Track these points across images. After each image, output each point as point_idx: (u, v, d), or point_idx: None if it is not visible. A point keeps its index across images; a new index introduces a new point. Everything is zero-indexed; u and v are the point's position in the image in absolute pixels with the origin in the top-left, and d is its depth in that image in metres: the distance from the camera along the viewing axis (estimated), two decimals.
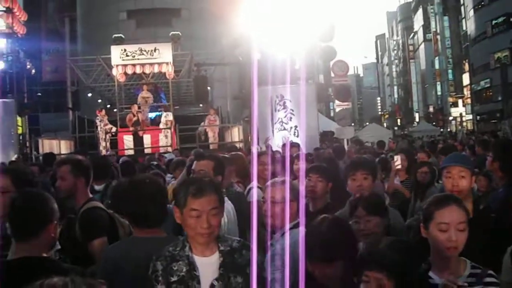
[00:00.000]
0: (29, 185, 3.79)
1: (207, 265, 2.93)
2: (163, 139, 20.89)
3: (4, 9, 23.01)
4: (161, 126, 21.92)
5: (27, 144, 20.72)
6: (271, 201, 3.67)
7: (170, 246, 3.04)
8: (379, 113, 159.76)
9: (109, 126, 21.71)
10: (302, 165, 5.24)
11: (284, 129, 15.77)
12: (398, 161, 7.11)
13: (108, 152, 15.85)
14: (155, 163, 11.14)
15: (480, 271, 2.87)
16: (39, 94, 51.60)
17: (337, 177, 5.72)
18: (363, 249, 2.59)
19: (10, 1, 23.09)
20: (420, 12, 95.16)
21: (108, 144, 21.14)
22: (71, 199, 4.44)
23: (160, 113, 22.96)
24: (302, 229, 3.23)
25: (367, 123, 70.29)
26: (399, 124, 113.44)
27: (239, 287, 2.92)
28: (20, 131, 19.81)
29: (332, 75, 20.03)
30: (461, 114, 69.17)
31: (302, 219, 3.47)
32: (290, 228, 3.55)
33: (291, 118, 15.85)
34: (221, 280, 2.90)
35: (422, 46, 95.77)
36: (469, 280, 2.81)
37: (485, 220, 3.72)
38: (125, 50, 21.53)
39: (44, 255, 2.90)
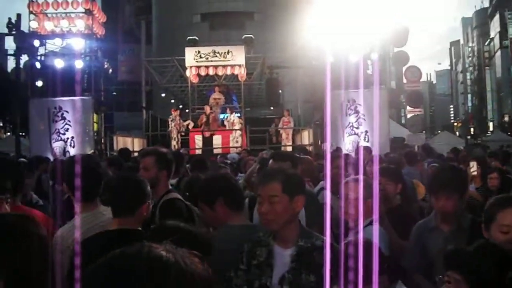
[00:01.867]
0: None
1: (284, 257, 2.97)
2: (233, 140, 21.12)
3: (84, 10, 23.82)
4: (226, 127, 22.21)
5: (102, 141, 21.31)
6: (346, 197, 3.71)
7: (262, 231, 3.15)
8: (452, 121, 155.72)
9: (188, 122, 22.16)
10: (376, 167, 5.26)
11: (355, 133, 15.71)
12: (474, 167, 6.96)
13: (182, 150, 16.19)
14: (228, 161, 11.36)
15: None
16: (114, 93, 53.16)
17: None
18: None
19: (91, 3, 23.89)
20: (496, 18, 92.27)
21: (179, 143, 21.57)
22: None
23: (227, 114, 23.26)
24: (376, 227, 3.28)
25: (439, 131, 68.65)
26: (472, 133, 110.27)
27: (310, 286, 2.87)
28: (95, 128, 20.42)
29: (405, 81, 19.83)
30: None
31: (376, 216, 3.52)
32: (365, 226, 3.57)
33: (361, 123, 15.77)
34: (292, 274, 2.91)
35: (498, 53, 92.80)
36: None
37: None
38: (199, 52, 21.91)
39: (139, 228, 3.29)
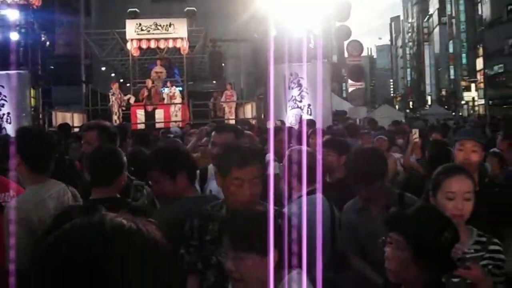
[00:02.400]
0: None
1: None
2: (173, 114, 20.89)
3: None
4: (165, 101, 21.83)
5: (40, 116, 20.64)
6: (289, 167, 3.71)
7: (209, 205, 3.12)
8: (392, 95, 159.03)
9: (128, 96, 21.68)
10: (318, 140, 5.30)
11: (298, 107, 15.77)
12: (416, 134, 6.98)
13: (124, 123, 15.92)
14: (171, 135, 11.28)
15: (485, 239, 2.97)
16: (52, 67, 51.56)
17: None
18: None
19: None
20: None
21: (120, 117, 21.16)
22: None
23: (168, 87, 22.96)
24: (319, 195, 3.30)
25: (379, 105, 70.08)
26: (411, 106, 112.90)
27: None
28: (33, 104, 19.74)
29: (346, 55, 20.03)
30: (473, 98, 68.86)
31: (319, 186, 3.54)
32: (307, 195, 3.54)
33: (304, 96, 15.84)
34: None
35: (436, 30, 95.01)
36: (474, 247, 2.93)
37: (489, 193, 3.75)
38: (140, 24, 21.54)
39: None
